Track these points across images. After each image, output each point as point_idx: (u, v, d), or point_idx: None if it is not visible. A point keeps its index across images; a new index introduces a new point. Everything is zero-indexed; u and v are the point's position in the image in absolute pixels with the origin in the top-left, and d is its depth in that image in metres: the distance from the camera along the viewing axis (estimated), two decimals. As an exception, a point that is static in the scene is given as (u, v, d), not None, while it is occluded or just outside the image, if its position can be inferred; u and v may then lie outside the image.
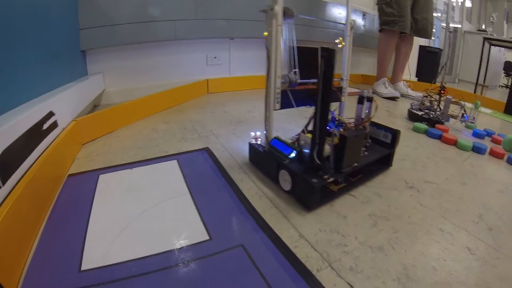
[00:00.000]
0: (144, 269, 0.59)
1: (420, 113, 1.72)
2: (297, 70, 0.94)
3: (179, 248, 0.65)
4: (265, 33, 0.89)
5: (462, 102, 1.69)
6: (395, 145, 1.05)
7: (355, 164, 0.89)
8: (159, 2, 1.93)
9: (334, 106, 1.03)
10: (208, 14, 2.15)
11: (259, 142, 1.04)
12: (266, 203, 0.82)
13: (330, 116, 0.88)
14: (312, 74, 0.94)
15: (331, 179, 0.82)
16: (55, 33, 1.27)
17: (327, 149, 0.84)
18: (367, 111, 1.01)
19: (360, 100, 1.00)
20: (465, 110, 1.69)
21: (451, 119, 1.70)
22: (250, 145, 1.05)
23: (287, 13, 0.88)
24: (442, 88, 1.71)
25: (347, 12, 1.10)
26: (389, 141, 1.06)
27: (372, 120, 1.04)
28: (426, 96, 1.78)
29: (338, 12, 2.99)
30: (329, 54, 0.73)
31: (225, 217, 0.76)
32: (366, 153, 1.00)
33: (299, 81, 0.94)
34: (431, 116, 1.68)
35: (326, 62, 0.74)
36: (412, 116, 1.75)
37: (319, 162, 0.81)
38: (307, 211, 0.80)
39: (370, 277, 0.58)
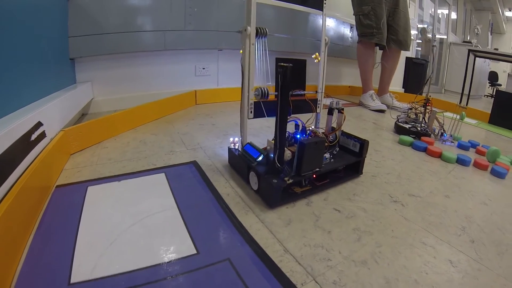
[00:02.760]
0: (132, 282, 0.59)
1: (407, 126, 1.74)
2: (270, 83, 1.04)
3: (167, 262, 0.65)
4: (241, 51, 1.00)
5: (441, 121, 1.72)
6: (364, 154, 1.11)
7: (317, 169, 0.96)
8: (148, 12, 1.94)
9: (308, 117, 1.13)
10: (197, 25, 2.17)
11: (236, 147, 1.13)
12: (252, 218, 0.83)
13: (301, 126, 1.04)
14: (295, 86, 1.06)
15: (291, 181, 0.87)
16: (44, 40, 1.27)
17: (288, 154, 0.94)
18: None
19: (330, 111, 1.10)
20: (444, 129, 1.72)
21: (432, 136, 1.72)
22: (229, 149, 1.15)
23: (260, 33, 0.99)
24: (427, 100, 1.74)
25: (322, 29, 1.19)
26: (358, 150, 1.11)
27: (345, 130, 1.14)
28: (411, 108, 1.81)
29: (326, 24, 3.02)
30: (285, 70, 0.83)
31: (212, 231, 0.77)
32: (332, 160, 1.07)
33: (271, 93, 1.02)
34: (418, 128, 1.70)
35: (282, 77, 0.83)
36: (399, 129, 1.77)
37: (279, 165, 0.90)
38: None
39: (353, 291, 0.59)
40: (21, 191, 0.72)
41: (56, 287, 0.58)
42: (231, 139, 1.14)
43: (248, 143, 1.07)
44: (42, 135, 1.00)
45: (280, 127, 0.88)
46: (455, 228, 0.84)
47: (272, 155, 0.94)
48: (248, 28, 0.97)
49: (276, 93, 0.99)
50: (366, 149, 1.11)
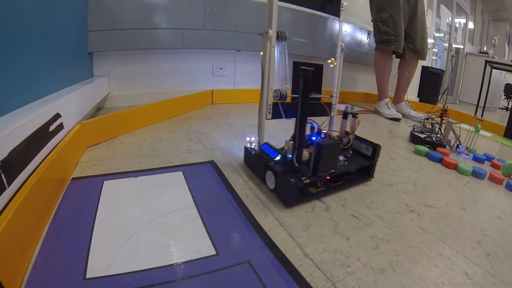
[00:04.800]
0: (150, 281, 0.59)
1: (422, 135, 1.74)
2: (288, 85, 1.06)
3: (186, 262, 0.65)
4: (261, 53, 1.03)
5: (458, 133, 1.71)
6: (376, 158, 1.13)
7: (332, 171, 0.98)
8: (168, 10, 1.97)
9: (323, 119, 1.16)
10: (216, 25, 2.19)
11: (253, 146, 1.16)
12: (271, 220, 0.84)
13: (316, 128, 1.06)
14: (312, 89, 1.09)
15: (308, 181, 0.91)
16: (64, 33, 1.30)
17: (306, 155, 0.94)
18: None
19: (345, 116, 1.13)
20: (459, 141, 1.70)
21: (447, 147, 1.70)
22: (245, 148, 1.17)
23: (280, 36, 1.02)
24: (444, 111, 1.73)
25: (339, 35, 1.22)
26: (370, 154, 1.14)
27: (358, 135, 1.17)
28: (428, 119, 1.80)
29: (343, 30, 3.02)
30: (306, 74, 0.85)
31: (231, 233, 0.77)
32: (346, 162, 1.09)
33: (290, 95, 1.06)
34: (434, 139, 1.69)
35: (304, 80, 0.85)
36: (414, 139, 1.77)
37: (297, 165, 0.93)
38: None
39: (372, 299, 0.60)
40: (38, 181, 0.72)
41: (71, 281, 0.58)
42: (248, 139, 1.17)
43: (265, 142, 1.09)
44: (60, 127, 1.02)
45: (300, 129, 0.90)
46: (471, 241, 0.85)
47: (290, 155, 0.96)
48: (270, 31, 0.99)
49: (295, 95, 1.02)
50: (378, 153, 1.13)
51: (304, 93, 0.87)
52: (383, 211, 0.95)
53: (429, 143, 1.66)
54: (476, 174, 1.35)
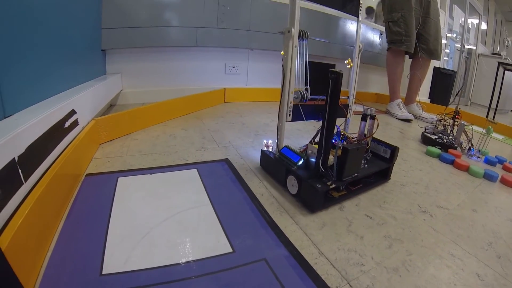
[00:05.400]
0: (166, 277, 0.60)
1: (434, 137, 1.73)
2: (308, 87, 1.04)
3: (203, 259, 0.67)
4: (282, 52, 0.99)
5: (470, 135, 1.70)
6: (394, 160, 1.14)
7: (355, 174, 0.98)
8: (182, 8, 1.98)
9: (339, 121, 1.10)
10: (229, 24, 2.20)
11: (270, 150, 1.14)
12: (287, 219, 0.85)
13: (335, 130, 1.00)
14: (322, 90, 1.02)
15: (333, 186, 0.89)
16: (78, 30, 1.32)
17: (331, 159, 0.93)
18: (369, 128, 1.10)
19: (364, 118, 1.10)
20: (472, 144, 1.69)
21: (458, 149, 1.69)
22: (262, 151, 1.15)
23: (302, 36, 0.98)
24: (457, 113, 1.73)
25: (356, 35, 1.20)
26: (388, 156, 1.14)
27: (374, 136, 1.14)
28: (440, 120, 1.80)
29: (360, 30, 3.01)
30: (337, 77, 0.82)
31: (247, 230, 0.78)
32: (366, 165, 1.09)
33: (310, 97, 1.04)
34: (445, 140, 1.69)
35: (333, 83, 0.83)
36: (426, 140, 1.77)
37: (323, 170, 0.91)
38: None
39: (386, 297, 0.62)
40: (54, 177, 0.74)
41: (88, 277, 0.59)
42: (265, 142, 1.16)
43: (285, 146, 1.07)
44: (75, 123, 1.04)
45: (327, 132, 0.88)
46: (482, 243, 0.86)
47: (313, 159, 0.96)
48: (292, 29, 0.95)
49: (315, 97, 1.04)
50: (396, 155, 1.13)
51: (332, 95, 0.84)
52: (396, 212, 0.96)
53: (441, 144, 1.67)
54: (488, 177, 1.35)
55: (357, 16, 1.21)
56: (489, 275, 0.72)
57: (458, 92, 1.99)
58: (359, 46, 1.20)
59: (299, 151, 1.05)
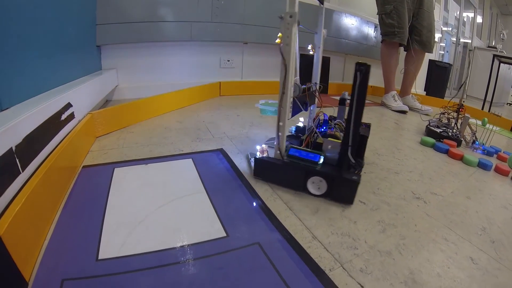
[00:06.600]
0: (161, 261, 0.61)
1: (438, 130, 1.71)
2: (298, 78, 1.01)
3: (197, 243, 0.67)
4: (278, 41, 0.86)
5: (474, 128, 1.69)
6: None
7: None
8: (176, 3, 1.98)
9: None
10: (223, 18, 2.21)
11: (265, 155, 1.00)
12: (280, 204, 0.86)
13: (323, 118, 1.04)
14: (306, 80, 1.04)
15: (360, 173, 0.92)
16: (73, 26, 1.32)
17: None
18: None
19: (342, 102, 1.08)
20: (476, 137, 1.68)
21: (463, 142, 1.68)
22: (258, 160, 0.98)
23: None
24: (461, 106, 1.72)
25: (320, 23, 1.15)
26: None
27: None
28: (444, 113, 1.79)
29: (350, 23, 3.02)
30: (366, 69, 0.79)
31: (241, 216, 0.79)
32: None
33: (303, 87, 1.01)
34: (450, 134, 1.68)
35: (362, 75, 0.80)
36: (431, 133, 1.74)
37: (354, 161, 0.89)
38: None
39: (379, 278, 0.62)
40: (51, 168, 0.75)
41: (84, 261, 0.60)
42: (259, 147, 1.02)
43: (291, 147, 0.97)
44: (71, 116, 1.04)
45: (355, 125, 0.83)
46: (476, 228, 0.86)
47: (329, 154, 0.93)
48: (295, 13, 0.82)
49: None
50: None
51: (361, 88, 0.80)
52: (390, 198, 0.97)
53: (445, 137, 1.65)
54: (482, 166, 1.35)
55: (322, 4, 1.14)
56: (483, 259, 0.73)
57: (462, 85, 1.97)
58: (323, 33, 1.15)
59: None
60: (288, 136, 1.17)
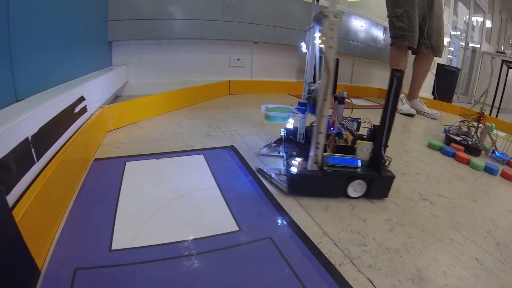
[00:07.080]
0: (174, 253, 0.63)
1: (458, 138, 1.69)
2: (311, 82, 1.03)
3: (209, 237, 0.69)
4: (322, 45, 0.83)
5: (494, 138, 1.63)
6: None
7: None
8: (187, 1, 2.01)
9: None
10: (234, 17, 2.23)
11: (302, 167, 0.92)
12: (291, 201, 0.88)
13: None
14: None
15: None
16: (85, 22, 1.35)
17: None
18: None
19: (341, 101, 1.08)
20: (495, 147, 1.61)
21: (483, 152, 1.63)
22: (295, 176, 0.90)
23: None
24: (481, 114, 1.67)
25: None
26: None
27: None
28: (464, 121, 1.77)
29: (360, 25, 3.02)
30: (401, 76, 0.84)
31: (253, 211, 0.81)
32: None
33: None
34: (469, 143, 1.64)
35: (398, 81, 0.84)
36: (450, 141, 1.71)
37: (385, 158, 0.93)
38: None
39: (387, 275, 0.64)
40: (64, 159, 0.77)
41: (97, 252, 0.61)
42: (294, 162, 0.91)
43: (327, 154, 0.91)
44: (84, 110, 1.06)
45: (389, 125, 0.89)
46: (482, 230, 0.87)
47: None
48: (340, 12, 0.77)
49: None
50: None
51: (396, 92, 0.85)
52: (397, 198, 0.98)
53: (465, 146, 1.62)
54: (489, 170, 1.36)
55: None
56: (488, 260, 0.74)
57: (483, 93, 1.94)
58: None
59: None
60: (278, 140, 1.23)
